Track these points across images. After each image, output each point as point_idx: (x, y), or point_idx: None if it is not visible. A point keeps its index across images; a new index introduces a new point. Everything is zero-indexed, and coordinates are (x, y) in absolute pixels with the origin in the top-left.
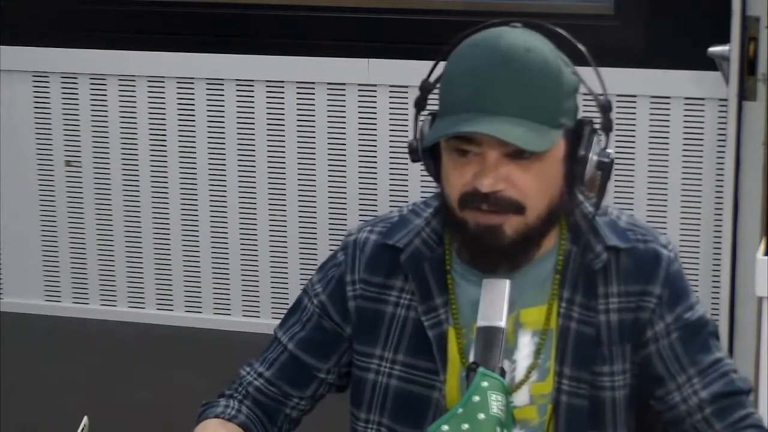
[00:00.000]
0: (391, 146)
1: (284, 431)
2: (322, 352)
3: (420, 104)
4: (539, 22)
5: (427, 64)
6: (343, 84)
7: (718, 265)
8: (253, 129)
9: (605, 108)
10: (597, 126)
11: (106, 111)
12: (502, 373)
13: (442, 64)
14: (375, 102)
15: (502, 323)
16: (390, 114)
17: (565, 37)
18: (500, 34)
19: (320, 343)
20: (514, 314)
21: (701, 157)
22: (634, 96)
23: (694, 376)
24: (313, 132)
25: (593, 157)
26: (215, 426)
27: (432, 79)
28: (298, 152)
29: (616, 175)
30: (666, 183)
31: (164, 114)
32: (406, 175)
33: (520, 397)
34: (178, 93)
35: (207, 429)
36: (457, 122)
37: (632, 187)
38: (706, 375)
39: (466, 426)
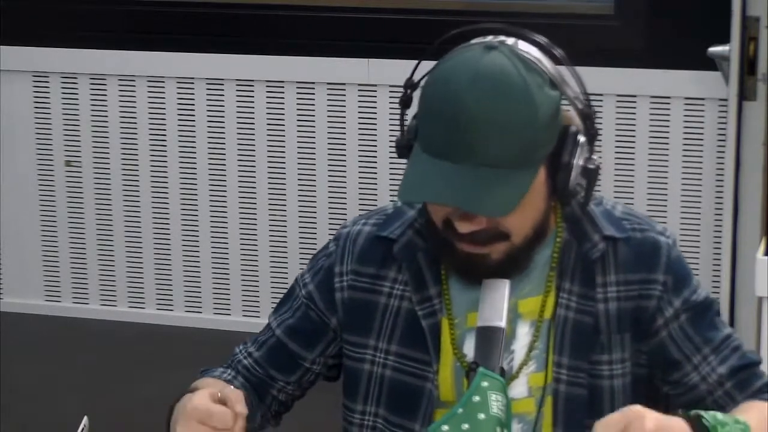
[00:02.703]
0: (391, 146)
1: (273, 411)
2: (308, 342)
3: (405, 102)
4: (518, 31)
5: (428, 64)
6: (343, 84)
7: (718, 265)
8: (253, 129)
9: (586, 116)
10: (583, 131)
11: (106, 111)
12: (502, 373)
13: (425, 64)
14: (375, 102)
15: (502, 323)
16: (390, 114)
17: (558, 36)
18: (473, 71)
19: (306, 332)
20: (511, 303)
21: (701, 157)
22: (634, 96)
23: (709, 354)
24: (313, 132)
25: (578, 163)
26: (213, 380)
27: (416, 78)
28: (298, 152)
29: (616, 175)
30: (666, 183)
31: (164, 114)
32: None
33: (518, 389)
34: (178, 93)
35: (204, 381)
36: (421, 177)
37: (632, 187)
38: (720, 351)
39: (466, 426)
